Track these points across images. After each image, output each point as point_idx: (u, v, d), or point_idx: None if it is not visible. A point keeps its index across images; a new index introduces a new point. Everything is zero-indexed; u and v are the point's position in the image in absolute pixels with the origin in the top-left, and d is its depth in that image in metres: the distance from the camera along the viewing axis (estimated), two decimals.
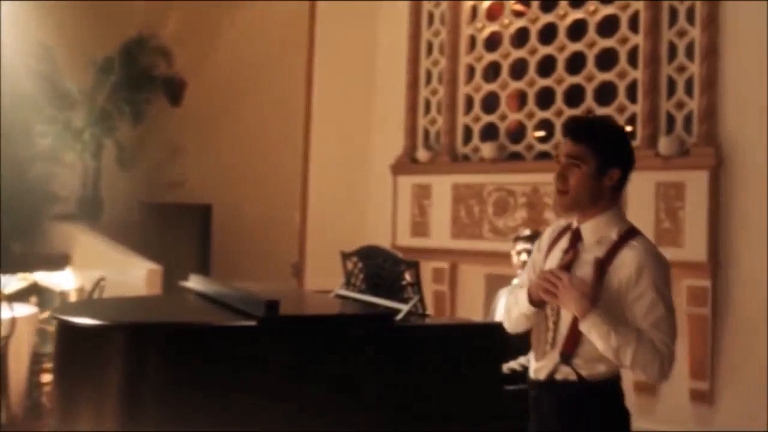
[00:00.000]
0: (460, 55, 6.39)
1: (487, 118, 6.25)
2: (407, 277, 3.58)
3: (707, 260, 5.06)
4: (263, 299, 2.95)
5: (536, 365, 2.40)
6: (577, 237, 2.34)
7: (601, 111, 5.63)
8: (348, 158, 6.99)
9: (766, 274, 4.95)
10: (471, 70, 6.37)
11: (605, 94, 5.65)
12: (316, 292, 4.35)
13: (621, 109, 5.57)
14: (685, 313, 5.12)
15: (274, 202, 7.77)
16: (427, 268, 6.36)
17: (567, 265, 2.31)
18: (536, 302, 2.34)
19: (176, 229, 8.72)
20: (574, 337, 2.26)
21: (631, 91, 5.53)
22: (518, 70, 6.12)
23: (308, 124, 7.12)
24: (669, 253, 5.02)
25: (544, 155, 5.91)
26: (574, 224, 2.37)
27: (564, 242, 2.39)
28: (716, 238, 5.10)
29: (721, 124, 5.15)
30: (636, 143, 5.44)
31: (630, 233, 2.29)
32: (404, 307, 3.43)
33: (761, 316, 4.97)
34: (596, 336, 2.18)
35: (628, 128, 5.57)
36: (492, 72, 6.28)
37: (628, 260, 2.23)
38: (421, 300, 3.47)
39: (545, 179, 5.72)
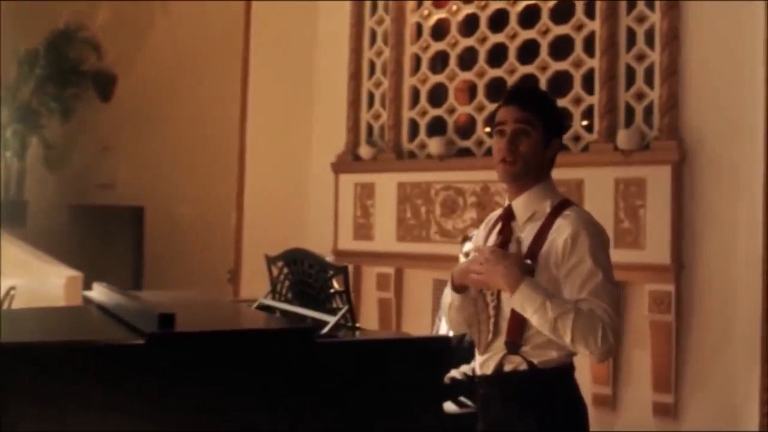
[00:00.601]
0: (405, 44, 5.94)
1: (434, 112, 5.81)
2: (335, 284, 3.14)
3: (671, 263, 4.67)
4: (157, 312, 2.46)
5: (481, 359, 2.23)
6: (509, 215, 2.26)
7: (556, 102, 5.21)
8: (286, 156, 6.51)
9: (734, 277, 4.58)
10: (417, 61, 5.93)
11: (560, 84, 5.24)
12: (240, 301, 3.87)
13: (577, 100, 5.17)
14: (647, 320, 4.74)
15: (209, 204, 7.27)
16: (371, 273, 5.92)
17: (500, 246, 2.20)
18: (458, 287, 2.23)
19: (107, 233, 8.19)
20: (519, 321, 2.12)
21: (588, 81, 5.13)
22: (467, 59, 5.69)
23: (244, 121, 6.63)
24: (629, 256, 4.69)
25: None
26: (506, 203, 2.32)
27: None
28: (680, 238, 4.71)
29: (684, 116, 4.77)
30: (593, 137, 5.05)
31: (563, 204, 2.24)
32: (331, 319, 2.98)
33: (729, 322, 4.60)
34: (531, 311, 2.03)
35: (584, 122, 5.18)
36: (439, 62, 5.84)
37: (561, 229, 2.14)
38: (351, 311, 3.02)
39: (496, 176, 5.29)
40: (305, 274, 3.31)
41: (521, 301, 2.04)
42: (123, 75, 8.13)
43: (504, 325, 2.17)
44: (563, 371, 2.18)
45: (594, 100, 5.07)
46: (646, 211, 4.76)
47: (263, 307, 3.63)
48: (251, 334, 2.62)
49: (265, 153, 6.56)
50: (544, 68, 5.31)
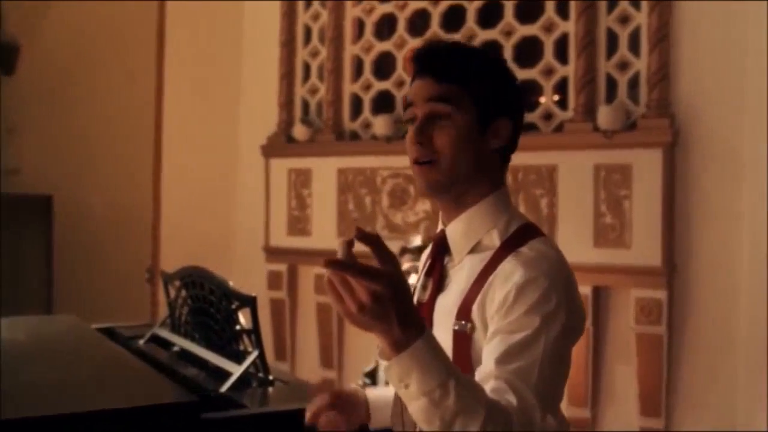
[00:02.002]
0: (345, 6, 5.09)
1: (380, 86, 4.97)
2: (242, 319, 2.31)
3: (661, 264, 3.93)
4: None
5: None
6: (441, 248, 1.48)
7: (523, 73, 4.42)
8: (210, 138, 5.62)
9: (736, 280, 3.85)
10: (360, 26, 5.08)
11: (528, 51, 4.44)
12: (125, 327, 3.01)
13: (548, 71, 4.37)
14: (633, 331, 4.00)
15: (125, 193, 6.34)
16: (308, 274, 5.11)
17: (430, 303, 1.46)
18: None
19: (11, 224, 7.20)
20: None
21: (561, 48, 4.34)
22: (418, 24, 4.86)
23: (160, 98, 5.70)
24: (612, 256, 3.85)
25: None
26: (440, 227, 1.51)
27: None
28: (672, 235, 3.97)
29: (677, 90, 4.01)
30: (568, 114, 4.26)
31: (522, 233, 1.42)
32: (234, 369, 2.16)
33: (729, 335, 3.88)
34: (416, 388, 1.17)
35: (555, 96, 4.40)
36: (386, 27, 5.00)
37: (508, 274, 1.34)
38: (262, 356, 2.19)
39: None
40: (206, 301, 2.48)
41: (402, 372, 1.17)
42: (27, 45, 7.12)
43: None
44: None
45: (569, 70, 4.28)
46: (632, 203, 4.02)
47: (158, 339, 2.80)
48: (106, 417, 1.75)
49: (184, 134, 5.65)
50: (508, 33, 4.49)
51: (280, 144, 5.24)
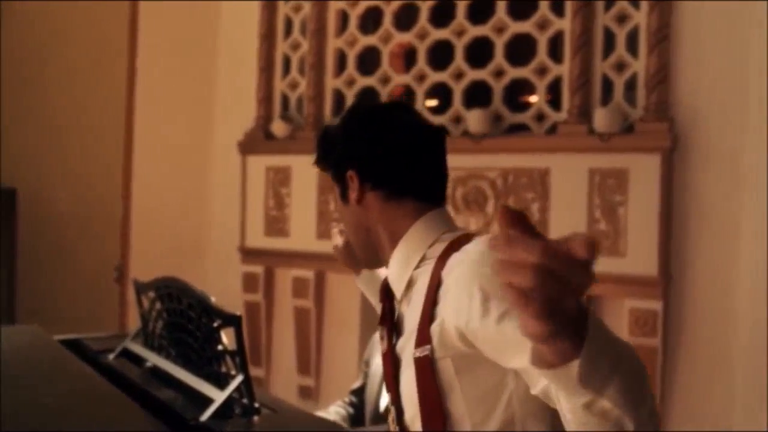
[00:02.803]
0: None
1: (364, 81, 4.76)
2: (224, 338, 2.10)
3: (658, 274, 3.77)
4: None
5: None
6: (386, 294, 1.50)
7: (514, 72, 4.24)
8: (184, 133, 5.38)
9: (735, 292, 3.70)
10: (344, 18, 4.86)
11: (520, 50, 4.25)
12: (91, 339, 2.78)
13: (541, 71, 4.19)
14: None
15: (93, 188, 6.08)
16: (286, 277, 4.90)
17: (388, 353, 1.43)
18: None
19: None
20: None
21: (555, 46, 4.16)
22: (405, 18, 4.65)
23: (132, 90, 5.44)
24: (606, 265, 3.63)
25: None
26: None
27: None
28: (669, 244, 3.80)
29: (676, 92, 3.84)
30: (562, 116, 4.09)
31: (452, 246, 1.36)
32: (216, 395, 1.96)
33: (727, 348, 3.73)
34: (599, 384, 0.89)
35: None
36: (371, 20, 4.78)
37: (451, 286, 1.29)
38: (247, 381, 1.99)
39: None
40: (183, 316, 2.27)
41: (589, 365, 0.85)
42: None
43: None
44: None
45: (563, 69, 4.10)
46: (627, 210, 3.85)
47: (129, 354, 2.58)
48: None
49: (157, 128, 5.40)
50: (500, 30, 4.30)
51: (258, 140, 5.01)
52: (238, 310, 5.19)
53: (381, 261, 1.51)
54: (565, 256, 0.77)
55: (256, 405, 1.97)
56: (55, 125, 6.33)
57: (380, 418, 2.90)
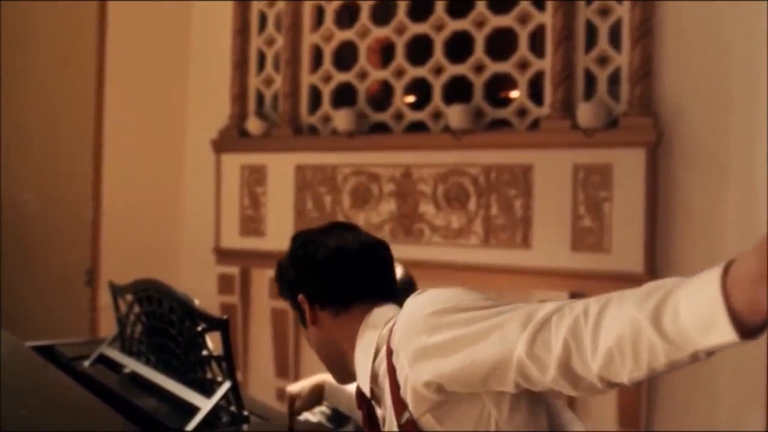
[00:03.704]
0: None
1: (341, 77, 4.66)
2: (208, 343, 2.00)
3: (643, 270, 3.71)
4: None
5: None
6: (363, 399, 1.53)
7: (495, 66, 4.17)
8: (155, 131, 5.24)
9: None
10: (319, 12, 4.76)
11: (501, 44, 4.18)
12: (64, 344, 2.66)
13: (522, 65, 4.12)
14: None
15: (62, 188, 5.91)
16: (262, 278, 4.80)
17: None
18: None
19: None
20: None
21: (537, 41, 4.10)
22: (382, 12, 4.56)
23: (101, 87, 5.29)
24: (591, 261, 3.58)
25: (417, 126, 4.39)
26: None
27: None
28: (654, 240, 3.75)
29: (660, 86, 3.79)
30: (544, 110, 4.02)
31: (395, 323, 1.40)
32: (203, 403, 1.86)
33: None
34: None
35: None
36: (347, 14, 4.69)
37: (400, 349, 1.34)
38: (235, 388, 1.89)
39: (419, 159, 4.25)
40: (164, 320, 2.16)
41: None
42: None
43: None
44: None
45: (545, 64, 4.04)
46: (612, 206, 3.80)
47: (105, 360, 2.47)
48: None
49: (127, 125, 5.26)
50: (480, 24, 4.23)
51: (233, 138, 4.90)
52: (214, 313, 5.07)
53: (351, 373, 1.54)
54: None
55: (245, 413, 1.87)
56: (21, 125, 6.15)
57: None
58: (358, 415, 1.73)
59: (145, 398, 2.11)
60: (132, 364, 2.33)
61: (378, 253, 1.59)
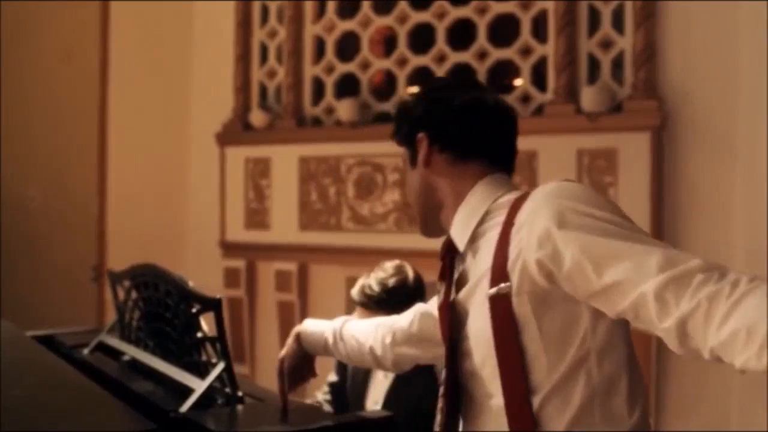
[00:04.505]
0: None
1: (343, 68, 4.64)
2: (203, 325, 1.98)
3: None
4: None
5: None
6: (450, 249, 1.52)
7: (498, 53, 4.14)
8: (159, 125, 5.23)
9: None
10: (321, 4, 4.75)
11: (504, 30, 4.16)
12: (65, 334, 2.65)
13: (525, 51, 4.10)
14: None
15: (67, 184, 5.91)
16: (268, 270, 4.78)
17: (445, 303, 1.50)
18: None
19: None
20: (521, 401, 1.34)
21: (540, 26, 4.07)
22: (384, 2, 4.54)
23: (105, 82, 5.29)
24: None
25: None
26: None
27: None
28: (660, 225, 3.71)
29: (665, 69, 3.76)
30: (548, 96, 3.98)
31: (523, 196, 1.40)
32: (196, 384, 1.84)
33: None
34: None
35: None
36: (349, 5, 4.67)
37: (531, 220, 1.31)
38: (229, 369, 1.87)
39: None
40: (161, 305, 2.14)
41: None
42: None
43: (488, 407, 1.41)
44: None
45: (548, 49, 4.01)
46: (617, 191, 3.76)
47: (105, 348, 2.45)
48: None
49: (132, 121, 5.26)
50: (482, 11, 4.21)
51: (236, 131, 4.88)
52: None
53: (438, 224, 1.56)
54: None
55: (240, 393, 1.84)
56: (25, 120, 6.16)
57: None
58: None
59: (143, 383, 2.08)
60: (131, 350, 2.31)
61: (511, 117, 1.56)
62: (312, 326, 1.91)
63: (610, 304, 1.21)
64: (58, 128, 5.83)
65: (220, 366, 1.85)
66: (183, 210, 5.23)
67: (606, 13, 3.88)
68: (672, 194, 3.72)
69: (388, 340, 1.78)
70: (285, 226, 4.69)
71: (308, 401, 2.68)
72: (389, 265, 2.68)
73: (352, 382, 2.92)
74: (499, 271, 1.35)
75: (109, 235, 5.33)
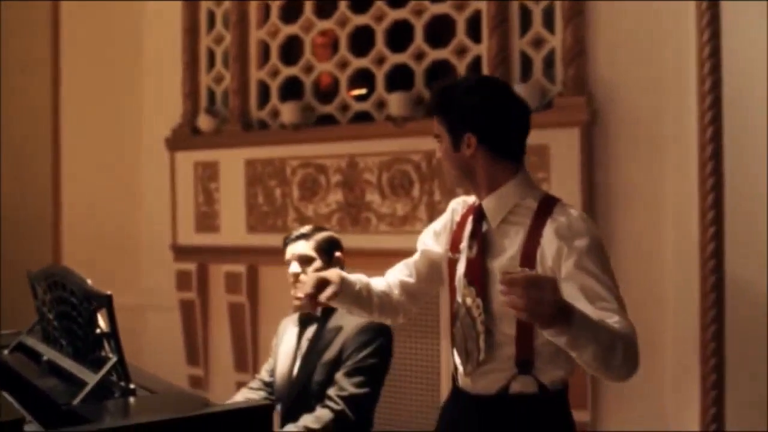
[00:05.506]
0: None
1: (288, 71, 4.71)
2: (101, 320, 2.04)
3: None
4: None
5: (472, 382, 2.02)
6: (480, 215, 2.03)
7: (435, 54, 4.21)
8: (111, 131, 5.28)
9: (661, 268, 3.68)
10: (265, 9, 4.81)
11: (439, 31, 4.23)
12: None
13: (461, 51, 4.16)
14: None
15: (21, 190, 5.92)
16: (218, 272, 4.83)
17: (478, 259, 1.99)
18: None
19: None
20: (527, 338, 1.93)
21: (473, 27, 4.13)
22: (326, 6, 4.61)
23: (57, 89, 5.34)
24: None
25: (362, 117, 4.43)
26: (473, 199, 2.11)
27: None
28: (592, 218, 3.76)
29: (593, 66, 3.82)
30: None
31: (548, 201, 1.98)
32: (89, 377, 1.90)
33: (656, 323, 3.68)
34: (584, 346, 1.72)
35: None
36: (292, 10, 4.73)
37: (556, 234, 1.88)
38: (121, 362, 1.93)
39: (365, 148, 4.28)
40: (68, 303, 2.20)
41: (573, 339, 1.68)
42: None
43: (503, 340, 1.95)
44: (565, 392, 2.03)
45: (481, 49, 4.08)
46: (550, 186, 3.80)
47: (24, 348, 2.51)
48: None
49: (84, 127, 5.30)
50: (419, 12, 4.27)
51: (185, 136, 4.94)
52: (174, 309, 5.05)
53: (467, 188, 2.05)
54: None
55: (132, 386, 1.90)
56: None
57: (294, 386, 2.88)
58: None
59: (48, 380, 2.14)
60: (45, 350, 2.36)
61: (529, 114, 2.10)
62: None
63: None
64: (12, 135, 5.85)
65: (112, 360, 1.91)
66: (136, 214, 5.27)
67: (537, 12, 3.95)
68: (603, 188, 3.78)
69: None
70: (234, 228, 4.74)
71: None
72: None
73: (279, 360, 3.04)
74: (529, 258, 1.88)
75: (63, 240, 5.37)
